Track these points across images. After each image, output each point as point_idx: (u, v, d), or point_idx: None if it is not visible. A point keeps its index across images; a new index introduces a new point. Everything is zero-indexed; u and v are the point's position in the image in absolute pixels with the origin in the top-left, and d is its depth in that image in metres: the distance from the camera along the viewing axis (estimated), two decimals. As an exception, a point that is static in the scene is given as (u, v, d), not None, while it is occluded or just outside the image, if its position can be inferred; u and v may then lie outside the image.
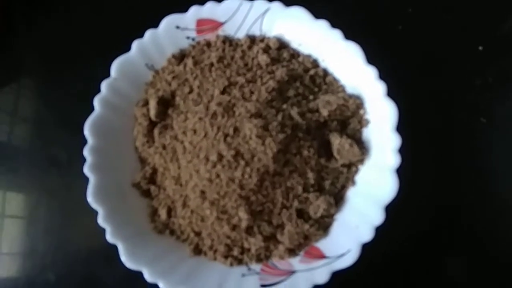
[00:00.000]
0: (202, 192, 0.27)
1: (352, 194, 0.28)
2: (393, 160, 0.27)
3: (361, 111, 0.29)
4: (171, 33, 0.31)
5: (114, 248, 0.26)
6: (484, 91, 0.35)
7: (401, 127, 0.27)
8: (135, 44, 0.31)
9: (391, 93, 0.28)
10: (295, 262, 0.27)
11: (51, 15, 0.38)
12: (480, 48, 0.36)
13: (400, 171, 0.26)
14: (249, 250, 0.27)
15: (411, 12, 0.37)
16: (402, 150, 0.27)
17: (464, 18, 0.37)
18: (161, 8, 0.32)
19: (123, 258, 0.26)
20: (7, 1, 0.38)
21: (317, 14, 0.30)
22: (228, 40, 0.32)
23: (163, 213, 0.28)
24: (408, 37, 0.36)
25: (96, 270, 0.32)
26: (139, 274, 0.26)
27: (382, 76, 0.28)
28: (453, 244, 0.31)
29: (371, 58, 0.29)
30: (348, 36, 0.30)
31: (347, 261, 0.25)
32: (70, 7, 0.38)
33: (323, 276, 0.25)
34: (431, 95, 0.34)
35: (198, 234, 0.28)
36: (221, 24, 0.32)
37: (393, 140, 0.27)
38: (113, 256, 0.26)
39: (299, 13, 0.30)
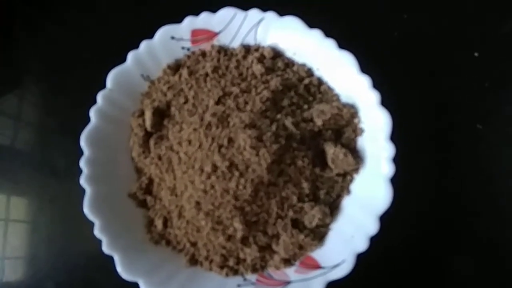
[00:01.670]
0: (197, 203, 0.27)
1: (347, 203, 0.28)
2: (388, 169, 0.27)
3: (356, 120, 0.29)
4: (166, 43, 0.31)
5: (111, 256, 0.26)
6: (480, 97, 0.35)
7: (396, 135, 0.27)
8: (131, 55, 0.31)
9: (386, 101, 0.28)
10: (291, 272, 0.27)
11: (53, 24, 0.39)
12: (476, 54, 0.36)
13: (395, 180, 0.26)
14: (244, 260, 0.27)
15: (406, 18, 0.37)
16: (396, 159, 0.27)
17: (459, 24, 0.37)
18: (156, 19, 0.32)
19: (119, 269, 0.26)
20: (10, 10, 0.39)
21: (311, 24, 0.30)
22: (223, 50, 0.32)
23: (159, 224, 0.29)
24: (403, 44, 0.36)
25: (95, 278, 0.32)
26: (137, 283, 0.26)
27: (377, 84, 0.28)
28: (449, 253, 0.31)
29: (367, 65, 0.29)
30: (343, 43, 0.30)
31: (342, 271, 0.25)
32: (69, 18, 0.39)
33: (318, 287, 0.25)
34: (427, 102, 0.34)
35: (194, 244, 0.28)
36: (216, 34, 0.32)
37: (388, 149, 0.27)
38: (111, 264, 0.26)
39: (293, 23, 0.30)
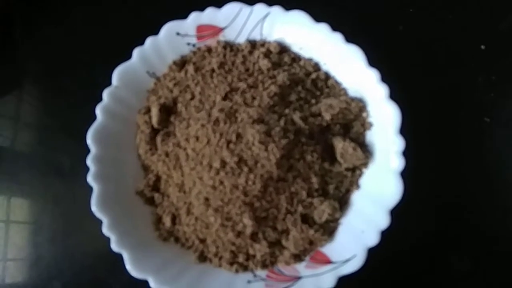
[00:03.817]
0: (206, 199, 0.27)
1: (357, 198, 0.28)
2: (397, 163, 0.26)
3: (364, 114, 0.29)
4: (171, 39, 0.31)
5: (119, 254, 0.26)
6: (487, 91, 0.34)
7: (405, 129, 0.27)
8: (136, 52, 0.31)
9: (394, 95, 0.28)
10: (301, 267, 0.27)
11: (53, 23, 0.38)
12: (483, 47, 0.36)
13: (405, 174, 0.26)
14: (254, 256, 0.27)
15: (412, 12, 0.37)
16: (406, 152, 0.26)
17: (465, 17, 0.37)
18: (161, 15, 0.32)
19: (129, 267, 0.26)
20: (9, 10, 0.38)
21: (317, 18, 0.30)
22: (228, 46, 0.32)
23: (167, 221, 0.28)
24: (410, 38, 0.36)
25: (102, 277, 0.32)
26: (146, 281, 0.26)
27: (385, 77, 0.28)
28: (460, 246, 0.31)
29: (373, 59, 0.29)
30: (349, 38, 0.29)
31: (353, 266, 0.25)
32: (71, 15, 0.38)
33: (329, 282, 0.25)
34: (434, 95, 0.34)
35: (203, 241, 0.28)
36: (222, 29, 0.32)
37: (397, 143, 0.27)
38: (118, 262, 0.26)
39: (299, 17, 0.30)
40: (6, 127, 0.36)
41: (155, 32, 0.31)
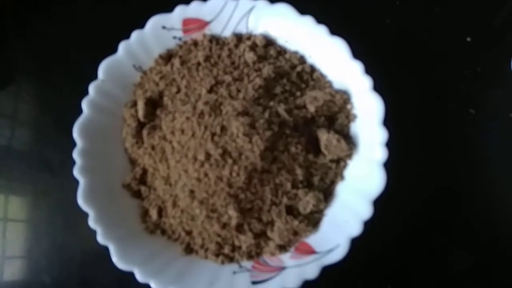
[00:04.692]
0: (191, 192, 0.27)
1: (341, 189, 0.28)
2: (381, 154, 0.27)
3: (348, 106, 0.29)
4: (157, 33, 0.31)
5: (108, 249, 0.26)
6: (473, 83, 0.35)
7: (389, 121, 0.27)
8: (122, 46, 0.31)
9: (379, 87, 0.28)
10: (286, 258, 0.27)
11: (42, 19, 0.38)
12: (468, 39, 0.36)
13: (389, 165, 0.26)
14: (240, 247, 0.27)
15: (398, 4, 0.37)
16: (390, 144, 0.27)
17: (451, 9, 0.37)
18: (146, 8, 0.32)
19: (115, 259, 0.26)
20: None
21: (302, 10, 0.30)
22: (214, 39, 0.32)
23: (154, 213, 0.29)
24: (396, 30, 0.36)
25: (92, 272, 0.32)
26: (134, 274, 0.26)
27: (370, 70, 0.28)
28: (443, 237, 0.31)
29: (359, 51, 0.29)
30: (335, 31, 0.29)
31: (337, 256, 0.25)
32: (59, 11, 0.38)
33: (313, 272, 0.25)
34: (419, 87, 0.34)
35: (189, 233, 0.28)
36: (207, 23, 0.32)
37: (381, 134, 0.27)
38: (108, 257, 0.26)
39: (285, 10, 0.30)
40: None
41: (141, 26, 0.31)
